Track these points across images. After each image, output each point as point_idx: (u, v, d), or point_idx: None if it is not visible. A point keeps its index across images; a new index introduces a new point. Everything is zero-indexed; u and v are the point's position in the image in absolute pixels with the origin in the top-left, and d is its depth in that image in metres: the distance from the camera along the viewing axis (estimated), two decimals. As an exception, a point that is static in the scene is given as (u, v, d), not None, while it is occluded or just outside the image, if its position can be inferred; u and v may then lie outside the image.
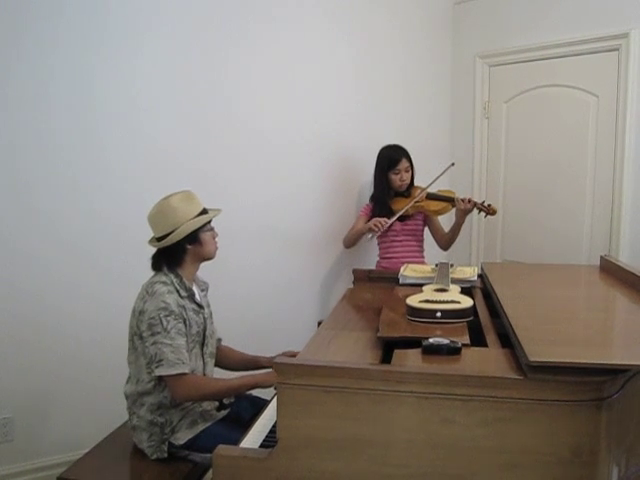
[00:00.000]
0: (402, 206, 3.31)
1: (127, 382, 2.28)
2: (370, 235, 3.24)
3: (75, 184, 2.90)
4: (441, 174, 3.29)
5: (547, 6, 3.62)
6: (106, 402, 2.80)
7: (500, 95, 3.97)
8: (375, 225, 3.17)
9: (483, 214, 3.24)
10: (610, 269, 2.47)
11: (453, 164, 3.36)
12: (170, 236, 2.19)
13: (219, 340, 2.54)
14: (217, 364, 2.49)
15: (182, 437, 2.19)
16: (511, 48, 3.81)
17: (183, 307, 2.18)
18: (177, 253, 2.23)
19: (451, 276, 2.34)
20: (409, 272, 2.60)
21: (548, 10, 3.61)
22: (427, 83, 4.10)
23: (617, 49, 3.34)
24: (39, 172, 2.82)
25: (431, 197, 3.34)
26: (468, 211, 3.23)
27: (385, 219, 3.20)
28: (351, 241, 3.47)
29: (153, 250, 2.27)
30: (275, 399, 1.61)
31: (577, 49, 3.50)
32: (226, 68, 3.26)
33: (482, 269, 2.61)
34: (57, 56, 2.80)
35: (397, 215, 3.26)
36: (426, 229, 3.53)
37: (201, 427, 2.22)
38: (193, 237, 2.22)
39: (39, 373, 2.89)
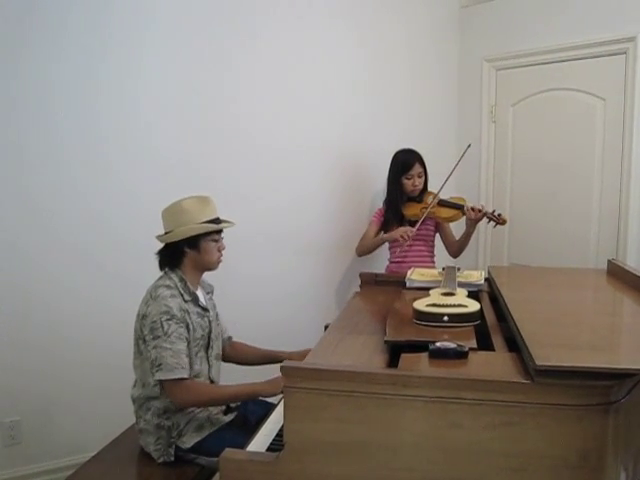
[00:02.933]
0: (414, 211, 3.32)
1: (134, 386, 2.29)
2: (399, 247, 3.26)
3: (77, 187, 2.92)
4: (459, 160, 3.30)
5: (554, 9, 3.61)
6: (113, 405, 2.80)
7: (507, 98, 3.97)
8: (402, 236, 3.17)
9: (493, 224, 3.22)
10: (617, 273, 2.46)
11: (470, 145, 3.34)
12: (169, 234, 2.21)
13: (230, 338, 2.55)
14: (232, 360, 2.52)
15: (189, 441, 2.19)
16: (518, 51, 3.81)
17: (186, 311, 2.18)
18: (175, 254, 2.24)
19: (458, 280, 2.33)
20: (416, 276, 2.60)
21: (555, 13, 3.61)
22: (434, 86, 4.10)
23: (624, 52, 3.33)
24: (42, 175, 2.84)
25: (443, 204, 3.32)
26: (478, 220, 3.22)
27: (411, 228, 3.20)
28: (369, 249, 3.47)
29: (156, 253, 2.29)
30: (282, 403, 1.61)
31: (584, 52, 3.50)
32: (230, 72, 3.27)
33: (489, 273, 2.60)
34: (60, 62, 2.82)
35: (420, 221, 3.25)
36: (437, 235, 3.52)
37: (208, 431, 2.23)
38: (193, 242, 2.21)
39: (46, 376, 2.90)
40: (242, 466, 1.58)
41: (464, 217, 3.27)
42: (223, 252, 2.32)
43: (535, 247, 3.87)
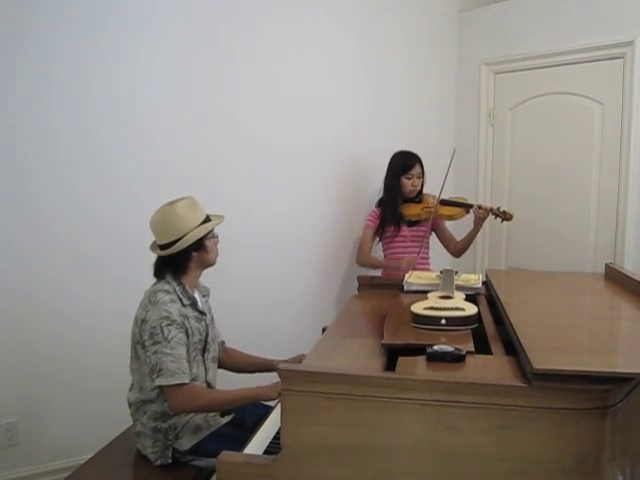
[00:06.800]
0: (414, 211, 3.34)
1: (130, 389, 2.28)
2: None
3: (76, 189, 2.91)
4: (449, 167, 3.26)
5: (552, 14, 3.62)
6: (110, 407, 2.78)
7: (505, 102, 3.97)
8: (409, 263, 3.13)
9: (499, 220, 3.23)
10: (615, 277, 2.47)
11: (455, 150, 3.32)
12: (177, 244, 2.16)
13: (222, 343, 2.54)
14: (223, 366, 2.50)
15: (186, 443, 2.19)
16: (516, 55, 3.82)
17: (185, 316, 2.17)
18: (183, 261, 2.22)
19: (456, 283, 2.33)
20: (414, 279, 2.60)
21: (553, 18, 3.62)
22: (432, 90, 4.11)
23: (622, 57, 3.34)
24: (40, 176, 2.83)
25: (444, 203, 3.33)
26: (484, 218, 3.23)
27: (414, 258, 3.19)
28: (370, 267, 3.44)
29: (154, 255, 2.25)
30: (279, 405, 1.61)
31: (582, 57, 3.50)
32: (229, 74, 3.27)
33: (487, 276, 2.60)
34: (58, 62, 2.82)
35: (430, 220, 3.27)
36: (432, 236, 3.52)
37: (205, 432, 2.22)
38: (199, 244, 2.21)
39: (42, 378, 2.89)
40: (239, 469, 1.58)
41: (466, 216, 3.28)
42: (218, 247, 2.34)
43: (533, 251, 3.87)
